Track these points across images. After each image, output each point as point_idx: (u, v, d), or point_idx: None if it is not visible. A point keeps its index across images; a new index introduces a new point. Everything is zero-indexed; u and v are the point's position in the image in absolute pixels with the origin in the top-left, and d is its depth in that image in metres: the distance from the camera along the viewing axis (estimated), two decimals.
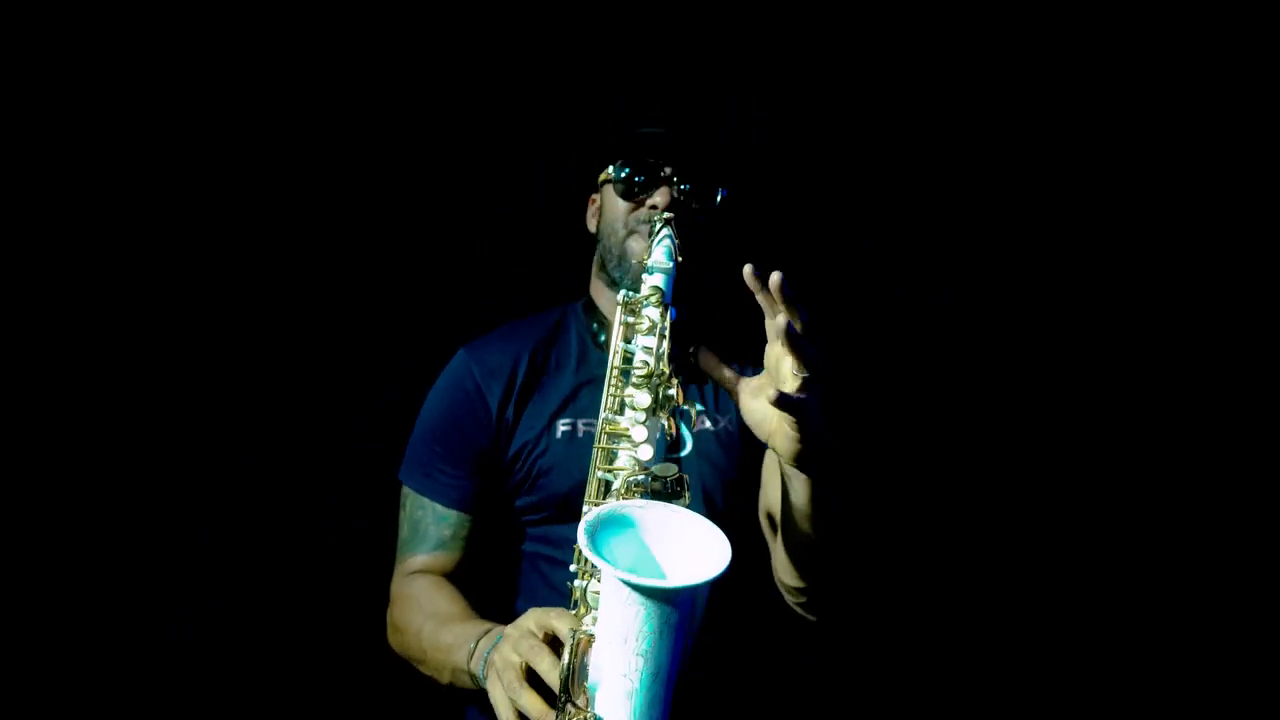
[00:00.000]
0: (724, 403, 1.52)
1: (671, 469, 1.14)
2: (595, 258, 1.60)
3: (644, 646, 0.95)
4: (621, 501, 1.08)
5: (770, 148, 2.09)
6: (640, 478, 1.14)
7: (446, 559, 1.50)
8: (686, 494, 1.13)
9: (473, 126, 2.11)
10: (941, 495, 2.14)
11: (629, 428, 1.18)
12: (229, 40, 2.03)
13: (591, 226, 1.63)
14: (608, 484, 1.19)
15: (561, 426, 1.48)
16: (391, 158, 2.11)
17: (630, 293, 1.28)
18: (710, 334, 1.50)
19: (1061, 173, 2.14)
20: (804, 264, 1.96)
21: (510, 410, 1.50)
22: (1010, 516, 2.13)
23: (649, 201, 1.48)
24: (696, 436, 1.45)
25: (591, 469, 1.21)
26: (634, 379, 1.22)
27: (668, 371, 1.22)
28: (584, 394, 1.51)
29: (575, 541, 1.37)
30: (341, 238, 2.09)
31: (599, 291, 1.59)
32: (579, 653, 1.01)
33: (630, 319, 1.27)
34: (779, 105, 2.13)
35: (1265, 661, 2.05)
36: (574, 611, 1.14)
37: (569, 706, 1.00)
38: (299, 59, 2.05)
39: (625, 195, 1.51)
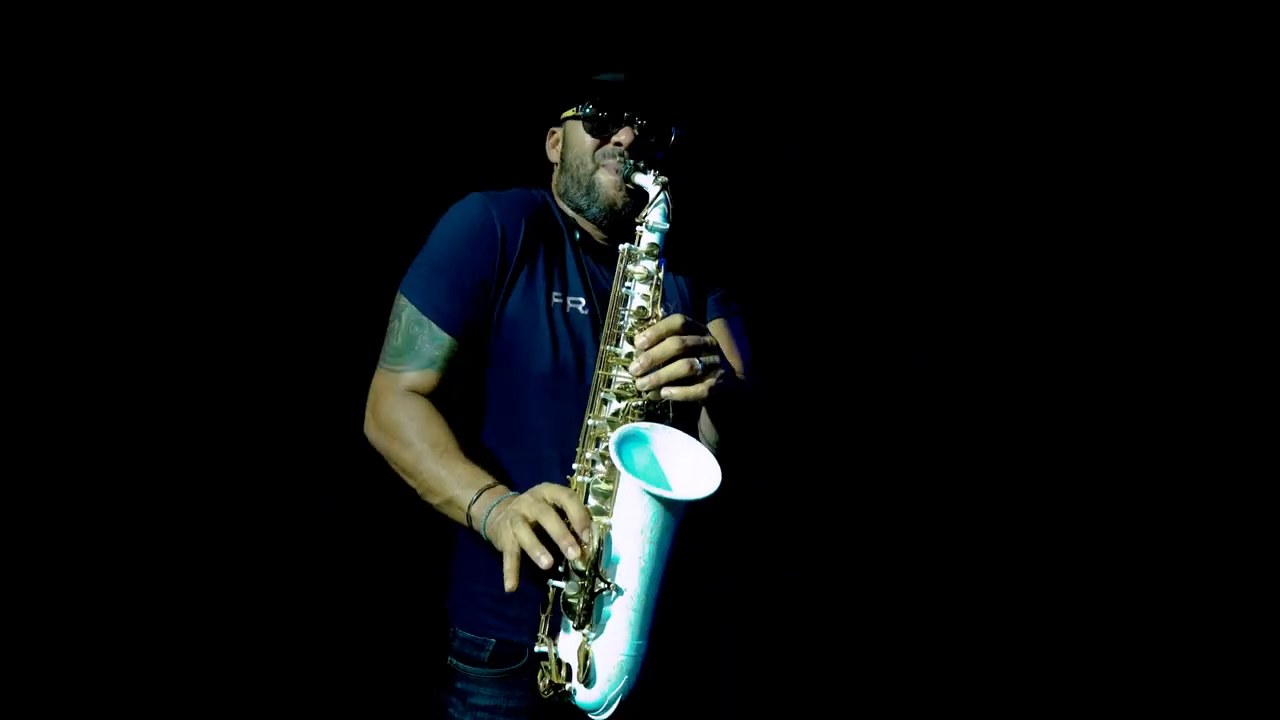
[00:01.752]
0: (671, 297, 1.75)
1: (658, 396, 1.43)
2: (555, 183, 1.78)
3: (654, 537, 1.27)
4: (640, 423, 1.36)
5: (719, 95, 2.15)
6: (635, 403, 1.43)
7: (434, 378, 1.61)
8: (670, 412, 1.44)
9: (435, 80, 2.13)
10: (935, 490, 2.23)
11: (630, 361, 1.46)
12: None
13: (553, 156, 1.81)
14: (605, 402, 1.47)
15: (555, 298, 1.65)
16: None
17: (632, 246, 1.53)
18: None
19: (1048, 163, 2.24)
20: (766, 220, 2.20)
21: (514, 262, 1.65)
22: (1005, 513, 2.23)
23: (614, 138, 1.68)
24: None
25: (594, 388, 1.48)
26: (633, 320, 1.49)
27: (661, 315, 1.49)
28: (573, 271, 1.70)
29: (542, 429, 1.63)
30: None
31: (564, 198, 1.77)
32: (600, 538, 1.31)
33: (630, 266, 1.52)
34: (728, 54, 2.18)
35: (1265, 661, 2.10)
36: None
37: (597, 580, 1.30)
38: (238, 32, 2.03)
39: (593, 132, 1.69)
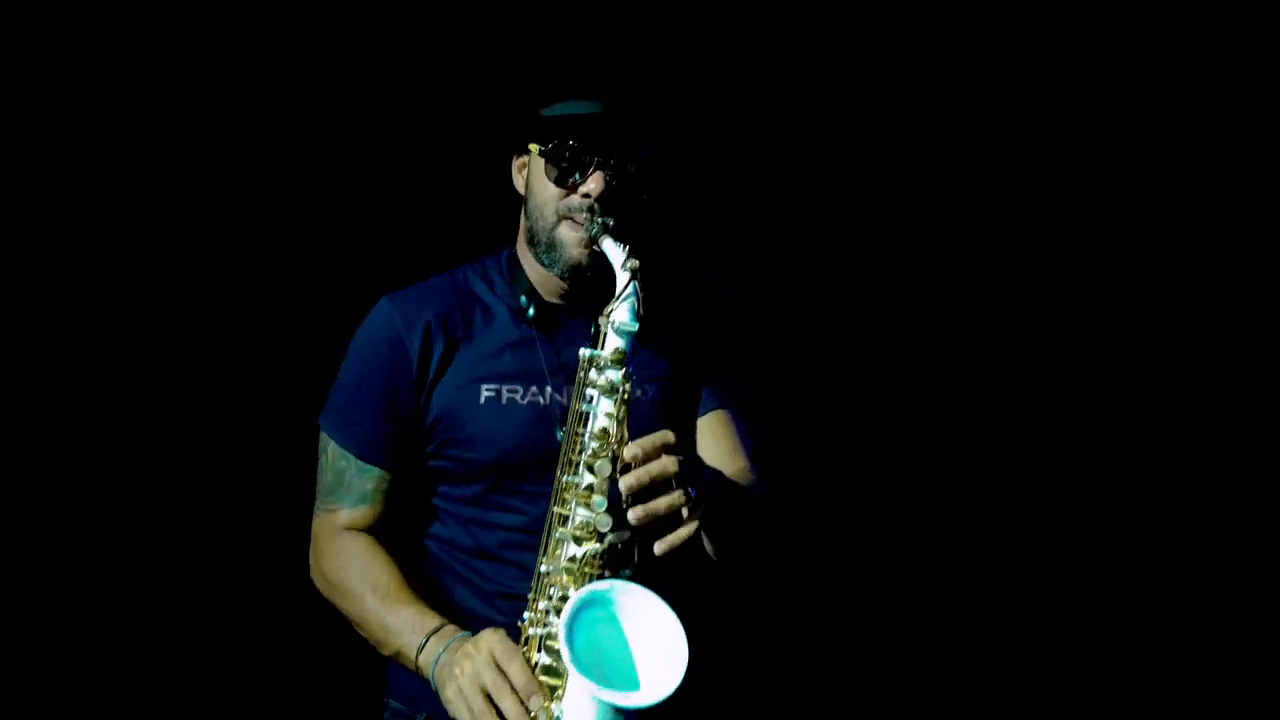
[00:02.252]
0: (651, 371, 1.55)
1: (625, 534, 1.23)
2: (522, 222, 1.56)
3: None
4: (600, 584, 1.18)
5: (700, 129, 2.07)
6: (597, 547, 1.23)
7: (370, 512, 1.51)
8: (635, 557, 1.24)
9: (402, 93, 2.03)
10: (936, 490, 2.18)
11: (591, 496, 1.25)
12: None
13: (518, 185, 1.58)
14: (560, 543, 1.27)
15: (485, 391, 1.48)
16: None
17: (594, 351, 1.30)
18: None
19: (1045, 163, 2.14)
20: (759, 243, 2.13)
21: (433, 367, 1.49)
22: (1006, 513, 2.17)
23: (581, 189, 1.44)
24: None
25: (549, 525, 1.28)
26: (595, 445, 1.27)
27: (627, 436, 1.27)
28: (507, 357, 1.51)
29: (494, 525, 1.51)
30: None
31: (524, 254, 1.57)
32: None
33: (593, 375, 1.30)
34: (715, 83, 2.07)
35: (1265, 661, 2.09)
36: (524, 648, 1.26)
37: None
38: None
39: (557, 179, 1.46)
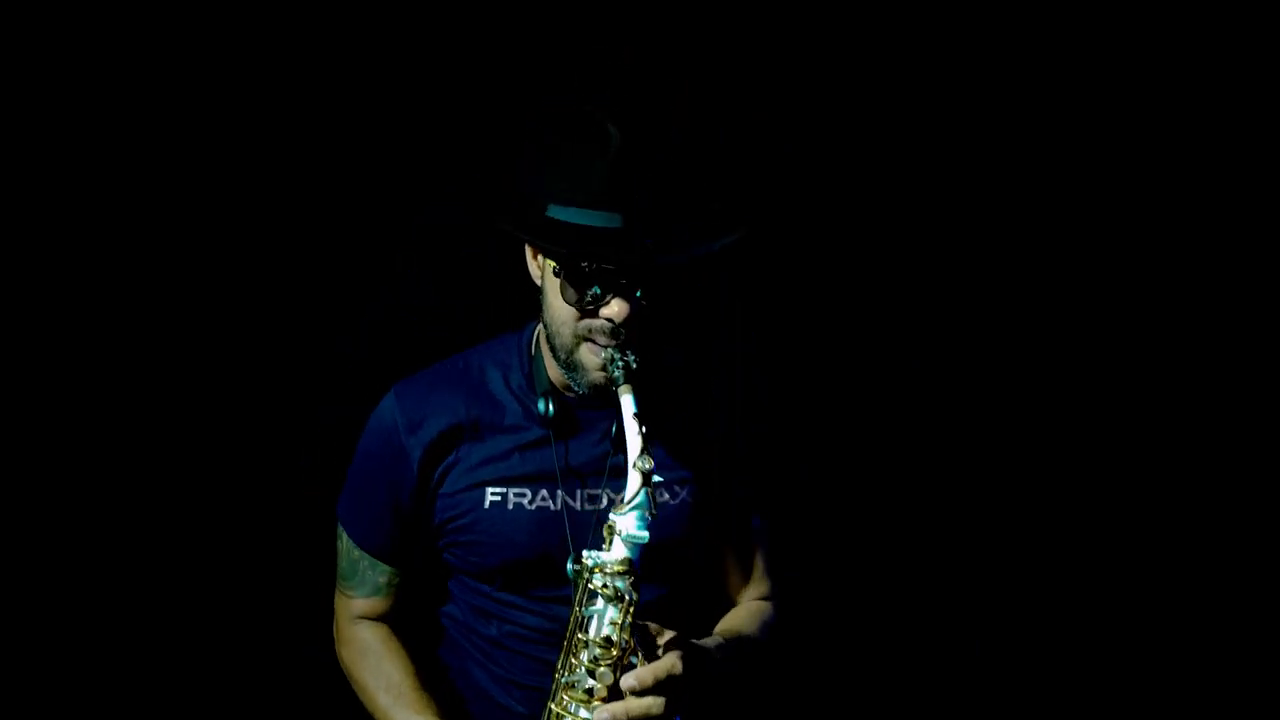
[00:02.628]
0: (686, 467, 1.49)
1: None
2: (543, 315, 1.40)
3: None
4: None
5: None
6: None
7: (384, 603, 1.55)
8: None
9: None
10: (936, 490, 2.16)
11: (591, 702, 1.26)
12: None
13: (533, 274, 1.42)
14: None
15: (491, 496, 1.43)
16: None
17: (598, 555, 1.25)
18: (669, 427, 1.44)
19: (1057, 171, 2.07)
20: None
21: (437, 471, 1.45)
22: (1006, 513, 2.16)
23: (604, 313, 1.30)
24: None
25: None
26: (598, 652, 1.25)
27: (632, 644, 1.26)
28: (516, 459, 1.44)
29: (507, 619, 1.51)
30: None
31: (546, 348, 1.45)
32: None
33: (597, 580, 1.26)
34: None
35: (1265, 661, 2.10)
36: None
37: None
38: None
39: (575, 302, 1.32)
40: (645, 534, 1.25)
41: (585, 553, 1.26)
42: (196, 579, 1.97)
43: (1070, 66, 2.02)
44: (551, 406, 1.43)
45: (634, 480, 1.25)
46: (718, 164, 1.83)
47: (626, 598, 1.25)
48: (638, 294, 1.29)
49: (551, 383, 1.46)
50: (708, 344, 1.62)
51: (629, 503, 1.25)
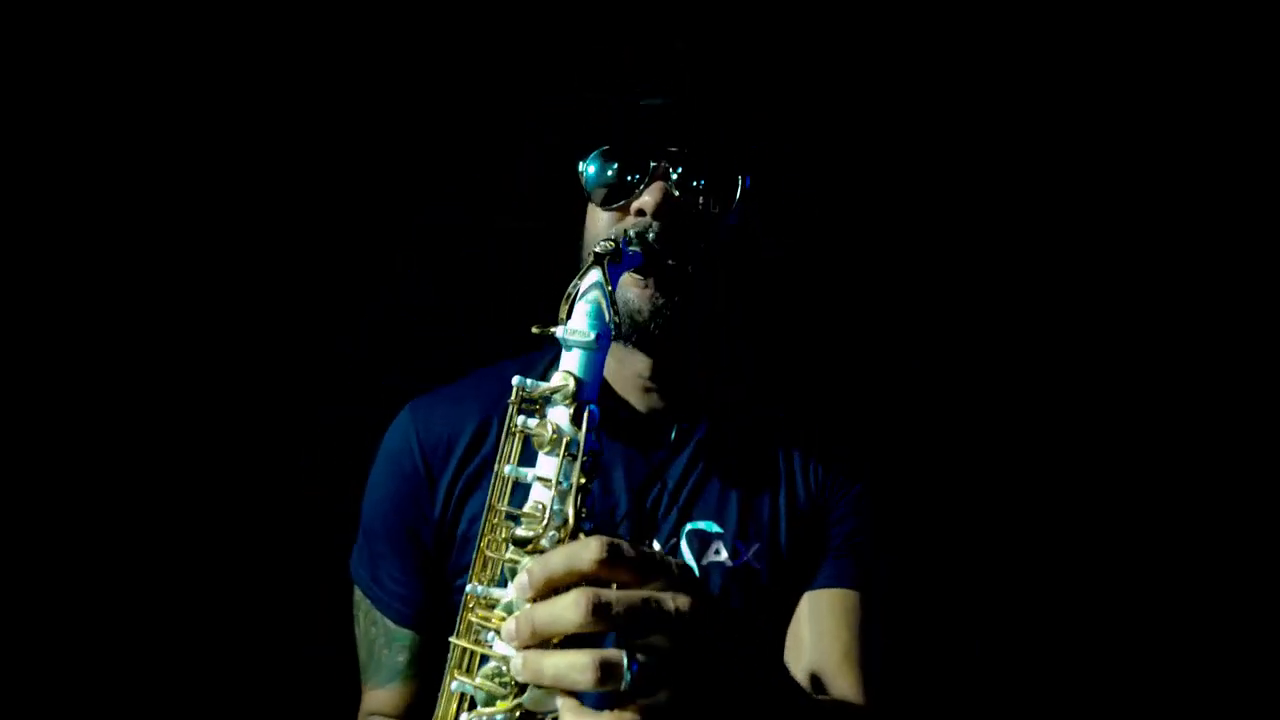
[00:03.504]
0: (754, 525, 1.13)
1: (552, 704, 0.70)
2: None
3: None
4: None
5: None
6: (504, 710, 0.70)
7: (404, 691, 1.19)
8: None
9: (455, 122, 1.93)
10: (936, 490, 2.06)
11: (504, 617, 0.73)
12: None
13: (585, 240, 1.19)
14: (470, 701, 0.75)
15: None
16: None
17: (529, 380, 0.79)
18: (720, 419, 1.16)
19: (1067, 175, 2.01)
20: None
21: (457, 492, 1.15)
22: (1005, 514, 2.06)
23: (634, 205, 1.04)
24: (704, 571, 1.09)
25: (446, 676, 0.77)
26: (522, 533, 0.75)
27: (572, 523, 0.75)
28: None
29: None
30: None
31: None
32: None
33: (528, 420, 0.79)
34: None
35: (1265, 661, 2.02)
36: None
37: None
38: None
39: (606, 200, 1.07)
40: (595, 331, 0.79)
41: (513, 379, 0.80)
42: (196, 579, 1.90)
43: (1070, 66, 1.98)
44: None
45: (586, 260, 0.83)
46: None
47: (571, 439, 0.77)
48: (673, 178, 1.05)
49: (608, 407, 1.16)
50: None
51: (580, 283, 0.81)
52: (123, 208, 1.86)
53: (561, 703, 0.67)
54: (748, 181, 1.07)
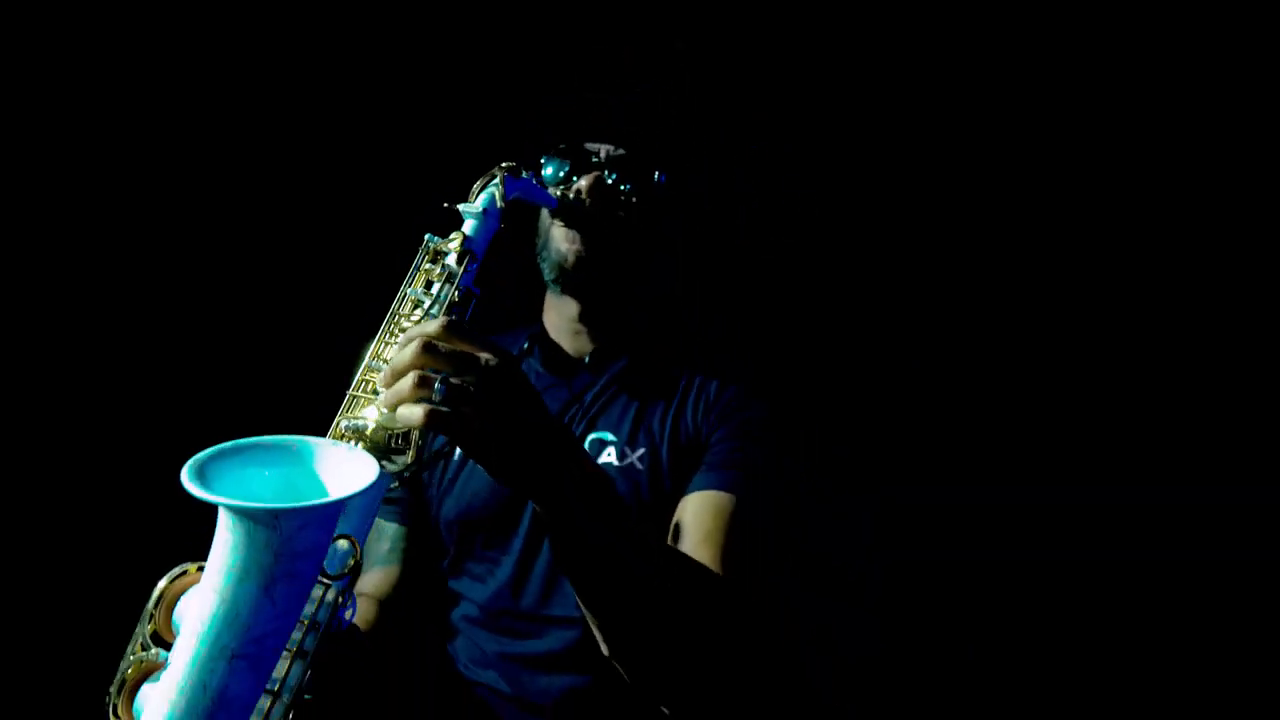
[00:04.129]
0: (642, 434, 1.38)
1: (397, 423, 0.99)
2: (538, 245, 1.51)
3: (222, 584, 0.82)
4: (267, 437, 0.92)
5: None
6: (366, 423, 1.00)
7: (389, 574, 1.45)
8: (410, 453, 0.99)
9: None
10: (935, 491, 2.11)
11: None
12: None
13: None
14: (356, 430, 1.05)
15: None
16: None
17: (436, 239, 1.15)
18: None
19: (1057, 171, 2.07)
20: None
21: None
22: (1005, 514, 2.08)
23: (575, 186, 1.37)
24: None
25: (338, 416, 1.08)
26: (405, 324, 1.09)
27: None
28: None
29: (470, 573, 1.42)
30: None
31: (546, 301, 1.52)
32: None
33: (429, 266, 1.14)
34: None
35: (1265, 662, 2.02)
36: None
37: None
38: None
39: (551, 181, 1.41)
40: (482, 207, 1.15)
41: (428, 236, 1.16)
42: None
43: (1070, 66, 2.03)
44: (537, 350, 1.49)
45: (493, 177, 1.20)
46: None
47: (452, 274, 1.11)
48: (606, 172, 1.40)
49: (550, 336, 1.52)
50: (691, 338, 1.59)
51: (479, 190, 1.18)
52: (124, 211, 1.95)
53: (401, 411, 0.97)
54: (663, 178, 1.41)
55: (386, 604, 1.42)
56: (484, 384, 0.94)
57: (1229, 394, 2.07)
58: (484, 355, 0.96)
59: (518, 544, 1.37)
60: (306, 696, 1.07)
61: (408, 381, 0.92)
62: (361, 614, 1.38)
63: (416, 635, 1.50)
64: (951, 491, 2.11)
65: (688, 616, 1.14)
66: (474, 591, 1.42)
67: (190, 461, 0.81)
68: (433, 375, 0.93)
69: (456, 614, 1.46)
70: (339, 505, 0.82)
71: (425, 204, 2.01)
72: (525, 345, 1.50)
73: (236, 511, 0.78)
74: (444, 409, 0.91)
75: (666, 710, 1.24)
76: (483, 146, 1.96)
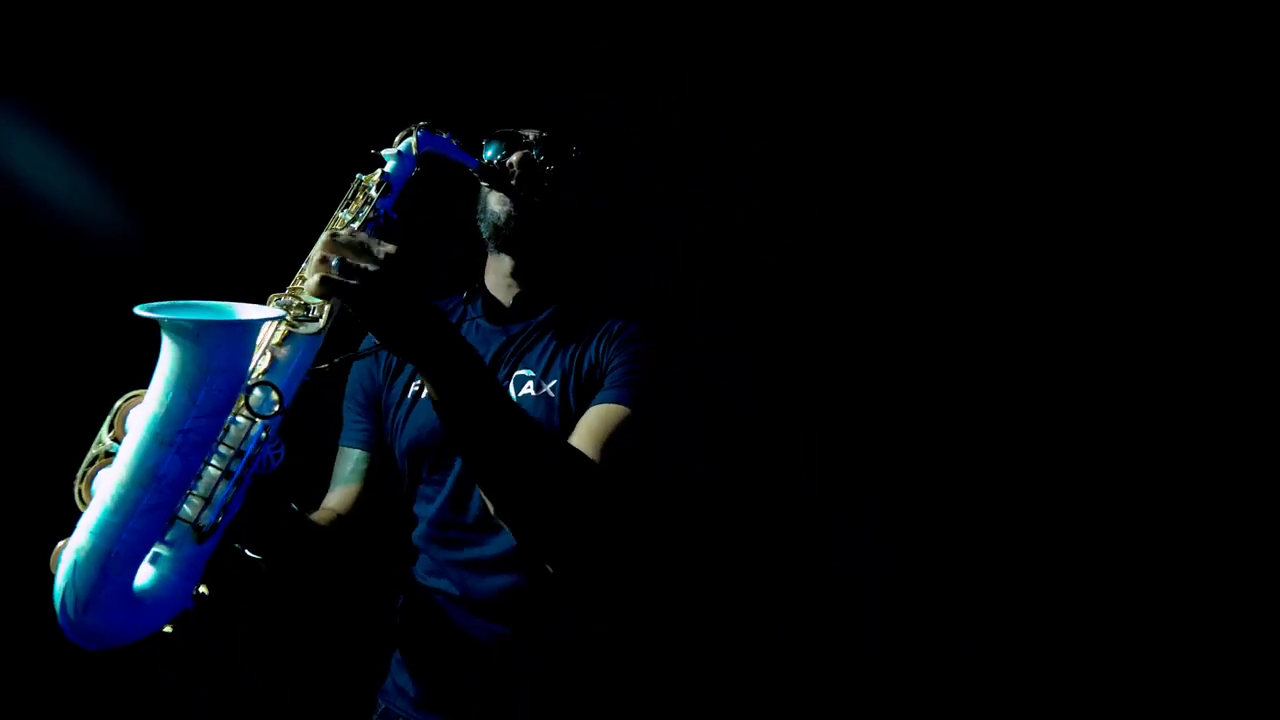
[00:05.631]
0: (554, 369, 1.62)
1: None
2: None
3: (159, 392, 1.08)
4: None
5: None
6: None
7: (348, 491, 1.68)
8: (323, 320, 1.25)
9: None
10: (934, 491, 2.14)
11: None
12: None
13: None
14: (283, 304, 1.30)
15: (413, 387, 1.66)
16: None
17: (362, 175, 1.43)
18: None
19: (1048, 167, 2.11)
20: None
21: (392, 368, 1.71)
22: (1004, 515, 2.11)
23: (507, 160, 1.64)
24: (518, 401, 1.58)
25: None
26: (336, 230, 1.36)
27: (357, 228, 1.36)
28: None
29: (422, 496, 1.67)
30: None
31: (487, 262, 1.77)
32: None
33: (358, 197, 1.42)
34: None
35: (1265, 662, 2.03)
36: None
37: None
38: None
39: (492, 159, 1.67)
40: (397, 150, 1.42)
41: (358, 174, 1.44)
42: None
43: (1070, 67, 2.06)
44: (471, 297, 1.74)
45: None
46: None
47: (375, 201, 1.38)
48: (535, 152, 1.66)
49: (489, 291, 1.76)
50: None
51: (399, 139, 1.46)
52: (123, 211, 2.05)
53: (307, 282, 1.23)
54: (578, 153, 1.67)
55: (346, 517, 1.66)
56: (372, 264, 1.21)
57: (1229, 394, 2.09)
58: (377, 244, 1.23)
59: (457, 465, 1.60)
60: (249, 553, 1.33)
61: (314, 258, 1.19)
62: (321, 518, 1.62)
63: (385, 555, 1.72)
64: (951, 491, 2.17)
65: (563, 488, 1.37)
66: (424, 511, 1.66)
67: (142, 305, 1.08)
68: (332, 255, 1.19)
69: (415, 534, 1.69)
70: (246, 325, 1.07)
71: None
72: (465, 295, 1.74)
73: (170, 327, 1.05)
74: (332, 276, 1.17)
75: (550, 569, 1.45)
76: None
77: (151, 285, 1.99)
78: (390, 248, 1.24)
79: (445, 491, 1.61)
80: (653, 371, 1.56)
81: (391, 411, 1.69)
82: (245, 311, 1.14)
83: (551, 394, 1.58)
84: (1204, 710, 2.06)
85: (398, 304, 1.22)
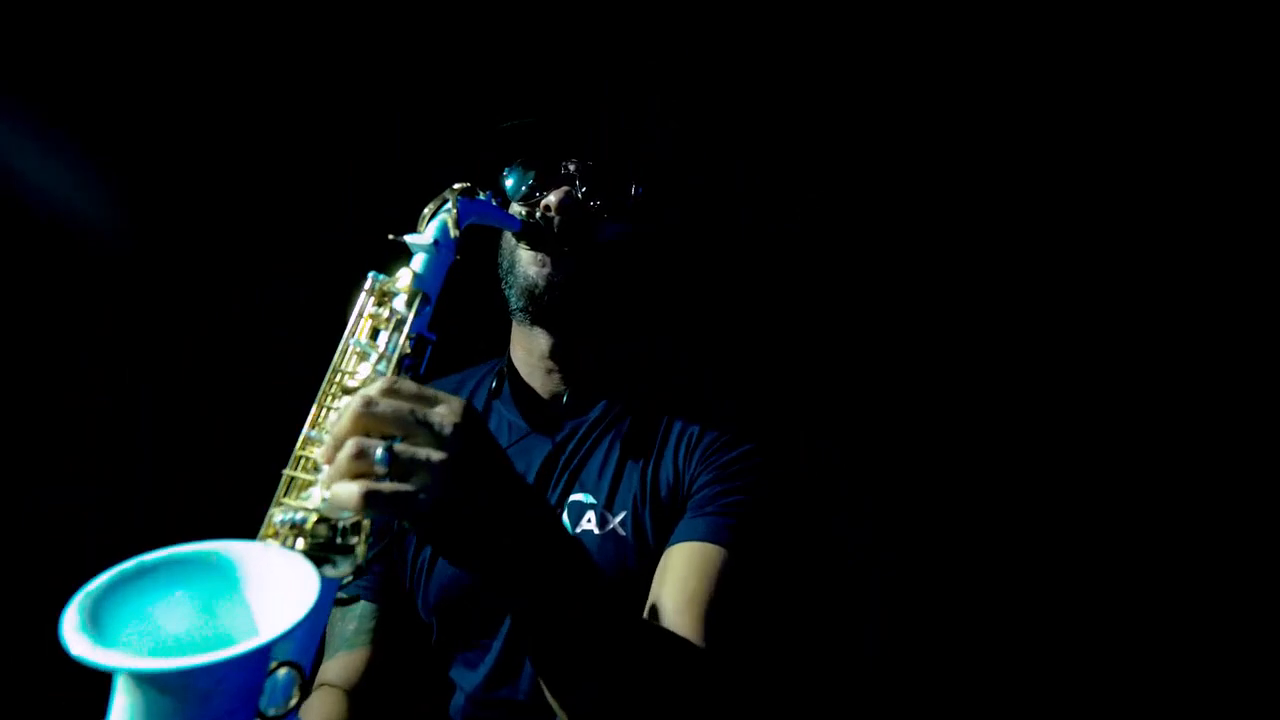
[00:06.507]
0: (622, 494, 1.22)
1: (341, 511, 0.81)
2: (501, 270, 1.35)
3: None
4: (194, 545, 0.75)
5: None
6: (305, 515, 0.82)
7: (356, 658, 1.28)
8: (360, 545, 0.81)
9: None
10: (935, 492, 2.09)
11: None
12: None
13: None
14: (293, 524, 0.87)
15: None
16: None
17: (381, 275, 0.97)
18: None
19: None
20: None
21: None
22: (1004, 516, 2.07)
23: (542, 202, 1.20)
24: (578, 538, 1.18)
25: (273, 506, 0.90)
26: (349, 384, 0.91)
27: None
28: None
29: (458, 660, 1.29)
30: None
31: (513, 334, 1.34)
32: None
33: (375, 310, 0.96)
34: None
35: (1265, 662, 2.00)
36: None
37: None
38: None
39: (514, 196, 1.24)
40: (430, 240, 0.97)
41: (370, 274, 0.98)
42: None
43: (1069, 69, 2.00)
44: (508, 391, 1.33)
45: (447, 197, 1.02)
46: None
47: (405, 320, 0.93)
48: (577, 185, 1.23)
49: (523, 379, 1.34)
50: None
51: (429, 216, 1.00)
52: (124, 212, 1.91)
53: (336, 489, 0.79)
54: (640, 191, 1.23)
55: (355, 694, 1.26)
56: (438, 451, 0.77)
57: (1228, 394, 2.03)
58: (438, 413, 0.78)
59: (504, 628, 1.23)
60: None
61: (345, 453, 0.75)
62: (324, 709, 1.21)
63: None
64: (952, 491, 2.08)
65: (660, 697, 1.01)
66: (465, 680, 1.28)
67: (78, 599, 0.63)
68: (373, 443, 0.75)
69: (452, 704, 1.32)
70: (265, 649, 0.64)
71: (369, 232, 1.93)
72: (494, 384, 1.32)
73: (138, 681, 0.61)
74: (384, 487, 0.74)
75: None
76: (435, 163, 1.93)
77: (148, 285, 1.96)
78: (456, 412, 0.80)
79: (490, 661, 1.23)
80: (758, 495, 1.20)
81: (410, 555, 1.28)
82: (263, 588, 0.71)
83: (621, 531, 1.20)
84: (1204, 710, 2.01)
85: (482, 516, 0.80)
